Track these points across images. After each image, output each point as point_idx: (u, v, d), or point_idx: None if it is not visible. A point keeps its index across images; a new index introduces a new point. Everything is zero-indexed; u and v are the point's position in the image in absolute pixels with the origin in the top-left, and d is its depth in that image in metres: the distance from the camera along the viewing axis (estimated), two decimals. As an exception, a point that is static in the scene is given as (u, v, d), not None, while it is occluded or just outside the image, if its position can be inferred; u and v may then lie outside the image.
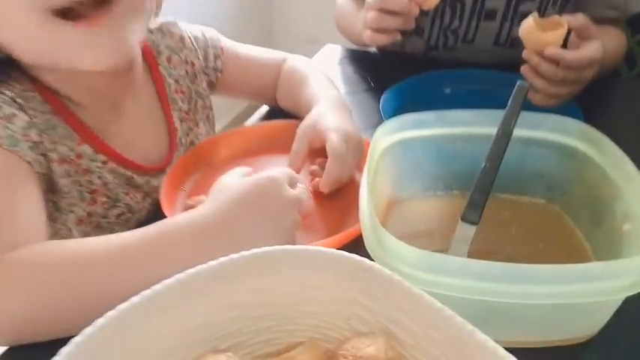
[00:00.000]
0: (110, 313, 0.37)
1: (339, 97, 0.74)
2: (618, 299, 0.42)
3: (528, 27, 0.69)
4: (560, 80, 0.69)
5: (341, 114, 0.69)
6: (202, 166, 0.70)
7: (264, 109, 0.86)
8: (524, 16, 0.74)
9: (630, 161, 0.49)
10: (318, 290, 0.43)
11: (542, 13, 0.88)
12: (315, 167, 0.68)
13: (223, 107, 1.05)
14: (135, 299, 0.38)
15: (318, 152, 0.66)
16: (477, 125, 0.59)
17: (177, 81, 0.74)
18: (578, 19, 0.69)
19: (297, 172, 0.63)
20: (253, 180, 0.52)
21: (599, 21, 0.75)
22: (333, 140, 0.62)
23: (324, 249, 0.43)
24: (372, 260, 0.41)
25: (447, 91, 0.85)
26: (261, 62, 0.83)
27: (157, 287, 0.40)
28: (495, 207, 0.58)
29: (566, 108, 0.72)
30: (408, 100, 0.80)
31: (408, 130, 0.58)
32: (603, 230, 0.51)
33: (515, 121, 0.54)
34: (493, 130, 0.54)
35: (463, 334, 0.35)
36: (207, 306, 0.41)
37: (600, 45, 0.70)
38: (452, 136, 0.59)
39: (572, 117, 0.57)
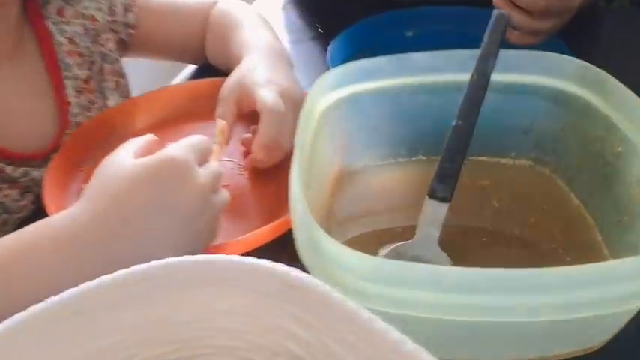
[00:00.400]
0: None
1: (276, 45, 0.59)
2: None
3: None
4: (541, 11, 0.56)
5: (278, 66, 0.55)
6: (106, 141, 0.56)
7: (191, 68, 0.72)
8: None
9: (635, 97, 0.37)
10: (232, 317, 0.30)
11: None
12: (248, 135, 0.54)
13: (153, 72, 0.90)
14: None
15: (251, 117, 0.52)
16: (445, 71, 0.46)
17: (71, 40, 0.59)
18: None
19: (225, 143, 0.50)
20: (147, 163, 0.38)
21: None
22: (264, 96, 0.48)
23: (236, 259, 0.31)
24: (306, 271, 0.29)
25: (409, 34, 0.72)
26: (185, 9, 0.68)
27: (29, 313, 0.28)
28: (472, 173, 0.46)
29: (548, 45, 0.59)
30: (361, 47, 0.67)
31: (357, 83, 0.45)
32: (610, 199, 0.40)
33: (494, 63, 0.41)
34: (466, 77, 0.42)
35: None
36: (65, 353, 0.29)
37: None
38: (413, 87, 0.46)
39: (560, 55, 0.44)
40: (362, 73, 0.45)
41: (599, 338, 0.33)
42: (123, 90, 0.65)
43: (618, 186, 0.39)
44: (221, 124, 0.49)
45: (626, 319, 0.32)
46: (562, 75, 0.43)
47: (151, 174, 0.37)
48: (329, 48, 0.66)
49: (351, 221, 0.45)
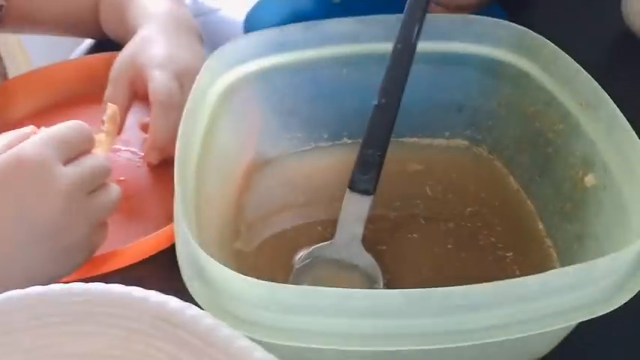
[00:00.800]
0: None
1: (180, 12, 0.51)
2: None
3: None
4: None
5: (180, 40, 0.47)
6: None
7: (88, 42, 0.63)
8: None
9: (591, 78, 0.32)
10: None
11: None
12: (147, 120, 0.46)
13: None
14: None
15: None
16: (368, 40, 0.40)
17: None
18: None
19: (117, 131, 0.42)
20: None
21: None
22: (155, 81, 0.41)
23: (99, 288, 0.24)
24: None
25: (336, 1, 0.65)
26: None
27: None
28: (401, 157, 0.41)
29: (485, 11, 0.54)
30: (282, 17, 0.60)
31: (265, 56, 0.38)
32: (552, 183, 0.35)
33: (420, 29, 0.35)
34: (389, 46, 0.36)
35: None
36: None
37: None
38: (332, 59, 0.40)
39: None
40: (271, 45, 0.39)
41: (547, 346, 0.29)
42: None
43: (560, 168, 0.34)
44: (111, 109, 0.41)
45: (564, 333, 0.27)
46: (497, 42, 0.38)
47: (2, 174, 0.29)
48: (245, 18, 0.59)
49: (264, 220, 0.38)
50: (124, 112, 0.44)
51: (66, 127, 0.33)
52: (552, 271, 0.23)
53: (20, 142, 0.33)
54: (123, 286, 0.24)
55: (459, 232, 0.36)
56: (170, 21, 0.49)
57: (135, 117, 0.46)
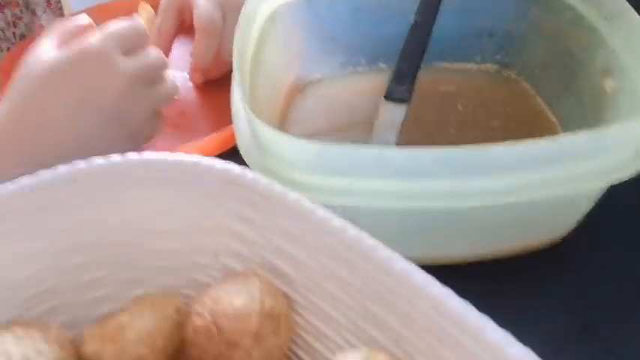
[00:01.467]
0: None
1: None
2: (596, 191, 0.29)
3: None
4: None
5: None
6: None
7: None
8: None
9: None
10: (170, 217, 0.28)
11: None
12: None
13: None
14: None
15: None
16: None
17: None
18: None
19: (166, 55, 0.46)
20: (61, 56, 0.34)
21: None
22: (200, 9, 0.45)
23: (170, 157, 0.28)
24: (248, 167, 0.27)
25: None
26: None
27: None
28: (433, 80, 0.44)
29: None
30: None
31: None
32: (574, 95, 0.38)
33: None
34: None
35: (376, 262, 0.22)
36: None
37: None
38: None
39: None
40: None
41: (561, 226, 0.32)
42: (55, 8, 0.60)
43: (582, 81, 0.37)
44: (145, 10, 0.45)
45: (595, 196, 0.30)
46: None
47: (65, 69, 0.34)
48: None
49: (305, 137, 0.42)
50: (172, 37, 0.48)
51: (124, 24, 0.37)
52: (568, 136, 0.26)
53: (76, 32, 0.37)
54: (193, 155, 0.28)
55: (487, 140, 0.39)
56: None
57: (187, 47, 0.50)
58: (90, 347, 0.25)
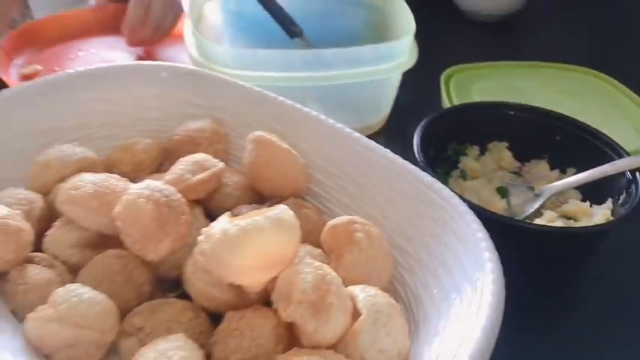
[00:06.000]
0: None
1: None
2: (393, 81, 0.55)
3: None
4: None
5: None
6: (37, 40, 0.72)
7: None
8: None
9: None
10: (155, 99, 0.49)
11: None
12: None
13: None
14: None
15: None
16: None
17: None
18: None
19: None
20: None
21: None
22: None
23: (161, 63, 0.50)
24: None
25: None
26: None
27: (4, 92, 0.45)
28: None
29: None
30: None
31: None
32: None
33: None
34: None
35: (272, 103, 0.45)
36: (52, 112, 0.46)
37: None
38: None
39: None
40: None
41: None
42: None
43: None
44: None
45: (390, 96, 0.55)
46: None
47: None
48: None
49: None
50: None
51: None
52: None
53: None
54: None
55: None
56: None
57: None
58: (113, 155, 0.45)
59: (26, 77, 0.65)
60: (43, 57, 0.70)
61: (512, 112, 0.53)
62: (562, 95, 0.69)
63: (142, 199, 0.35)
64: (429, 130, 0.49)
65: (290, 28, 0.65)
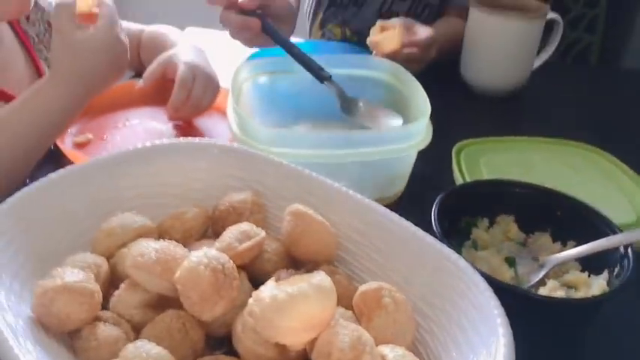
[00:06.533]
0: (35, 185, 0.47)
1: (195, 44, 0.86)
2: (410, 158, 0.62)
3: (374, 30, 0.87)
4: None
5: (196, 53, 0.82)
6: (87, 111, 0.79)
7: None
8: None
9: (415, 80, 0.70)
10: (203, 172, 0.56)
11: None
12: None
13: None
14: (53, 175, 0.49)
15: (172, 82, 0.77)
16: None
17: (37, 36, 0.82)
18: (404, 20, 0.88)
19: (147, 88, 0.78)
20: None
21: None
22: (180, 69, 0.75)
23: (210, 141, 0.57)
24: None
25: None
26: None
27: (73, 167, 0.51)
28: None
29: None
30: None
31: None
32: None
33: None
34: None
35: (307, 178, 0.51)
36: (113, 184, 0.52)
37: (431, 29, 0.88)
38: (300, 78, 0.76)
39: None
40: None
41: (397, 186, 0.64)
42: None
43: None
44: None
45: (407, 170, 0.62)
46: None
47: None
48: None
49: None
50: (155, 79, 0.78)
51: None
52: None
53: None
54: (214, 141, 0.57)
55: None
56: (191, 45, 0.84)
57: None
58: (165, 223, 0.51)
59: (79, 145, 0.73)
60: (94, 126, 0.78)
61: (517, 189, 0.60)
62: (563, 168, 0.75)
63: (202, 267, 0.41)
64: (444, 204, 0.55)
65: (319, 73, 0.74)
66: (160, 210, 0.53)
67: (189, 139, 0.56)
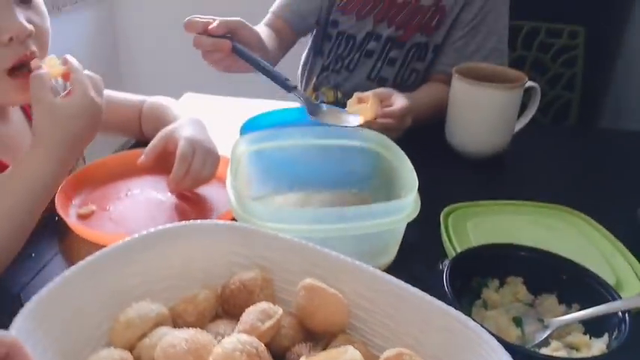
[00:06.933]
0: (52, 285, 0.48)
1: (196, 117, 0.90)
2: (400, 229, 0.65)
3: (351, 102, 0.91)
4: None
5: (196, 127, 0.85)
6: (90, 182, 0.84)
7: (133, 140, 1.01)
8: (393, 60, 1.15)
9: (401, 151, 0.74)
10: (207, 251, 0.58)
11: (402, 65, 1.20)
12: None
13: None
14: (67, 273, 0.50)
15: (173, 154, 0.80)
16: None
17: None
18: (383, 90, 0.94)
19: (148, 162, 0.80)
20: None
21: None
22: (180, 145, 0.78)
23: (213, 221, 0.60)
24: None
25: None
26: (119, 101, 0.98)
27: (84, 263, 0.52)
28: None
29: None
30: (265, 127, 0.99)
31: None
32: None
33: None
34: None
35: (311, 251, 0.54)
36: (120, 272, 0.54)
37: (405, 99, 0.93)
38: (294, 146, 0.81)
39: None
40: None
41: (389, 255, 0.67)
42: None
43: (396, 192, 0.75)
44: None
45: (397, 241, 0.66)
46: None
47: None
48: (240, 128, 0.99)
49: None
50: (157, 154, 0.81)
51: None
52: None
53: None
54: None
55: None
56: (191, 118, 0.88)
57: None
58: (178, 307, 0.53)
59: (83, 217, 0.76)
60: (96, 196, 0.81)
61: (526, 253, 0.64)
62: (546, 232, 0.79)
63: (237, 352, 0.43)
64: (457, 265, 0.60)
65: (285, 84, 0.85)
66: (166, 293, 0.55)
67: (191, 222, 0.58)
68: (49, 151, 0.67)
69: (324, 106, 0.87)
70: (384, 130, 0.84)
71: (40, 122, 0.67)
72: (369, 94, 0.89)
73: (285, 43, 1.21)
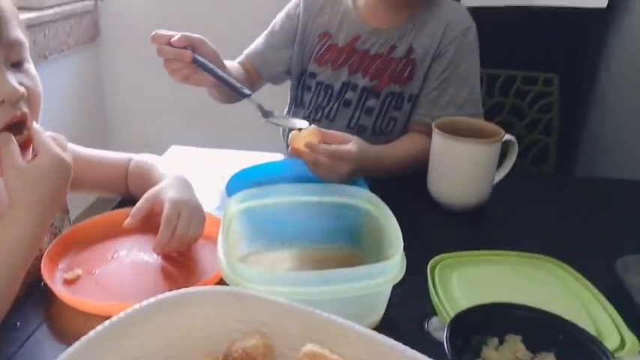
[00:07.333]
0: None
1: (181, 175, 0.91)
2: (386, 291, 0.66)
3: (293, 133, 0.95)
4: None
5: (182, 187, 0.86)
6: (76, 244, 0.84)
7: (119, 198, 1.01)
8: (370, 109, 1.19)
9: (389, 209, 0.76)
10: (206, 318, 0.57)
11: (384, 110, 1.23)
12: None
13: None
14: (70, 350, 0.49)
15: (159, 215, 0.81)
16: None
17: None
18: (340, 133, 0.98)
19: (134, 225, 0.80)
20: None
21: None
22: (166, 207, 0.79)
23: (212, 288, 0.59)
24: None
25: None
26: (106, 160, 0.99)
27: (82, 341, 0.51)
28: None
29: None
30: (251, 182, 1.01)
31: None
32: (382, 256, 0.76)
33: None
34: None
35: (309, 316, 0.54)
36: (118, 346, 0.54)
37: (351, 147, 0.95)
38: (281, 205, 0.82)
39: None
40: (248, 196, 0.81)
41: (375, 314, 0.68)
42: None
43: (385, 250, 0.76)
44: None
45: (384, 300, 0.66)
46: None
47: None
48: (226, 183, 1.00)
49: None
50: (143, 216, 0.81)
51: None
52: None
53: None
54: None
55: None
56: (177, 177, 0.88)
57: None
58: None
59: (69, 282, 0.76)
60: (82, 259, 0.81)
61: (522, 312, 0.66)
62: (528, 282, 0.81)
63: None
64: (457, 324, 0.62)
65: (241, 91, 0.97)
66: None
67: (190, 289, 0.57)
68: (26, 213, 0.69)
69: (275, 112, 0.99)
70: (315, 166, 0.92)
71: (12, 186, 0.70)
72: (313, 126, 0.96)
73: (252, 84, 1.27)
